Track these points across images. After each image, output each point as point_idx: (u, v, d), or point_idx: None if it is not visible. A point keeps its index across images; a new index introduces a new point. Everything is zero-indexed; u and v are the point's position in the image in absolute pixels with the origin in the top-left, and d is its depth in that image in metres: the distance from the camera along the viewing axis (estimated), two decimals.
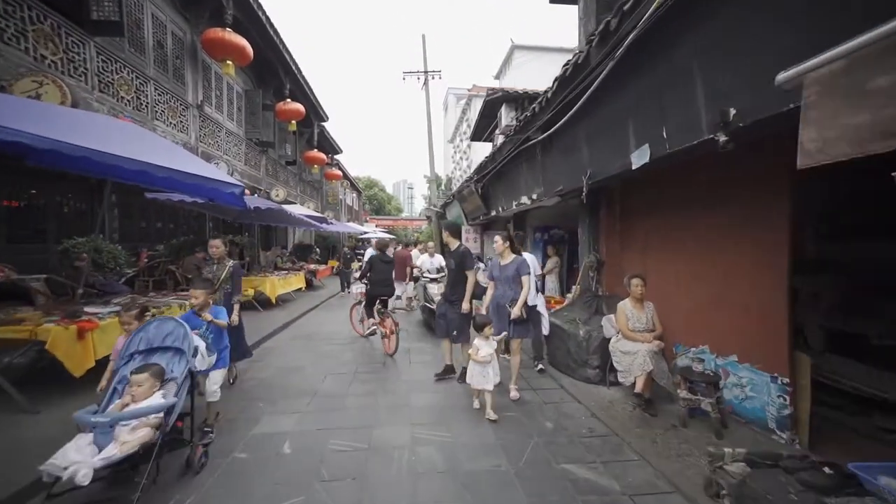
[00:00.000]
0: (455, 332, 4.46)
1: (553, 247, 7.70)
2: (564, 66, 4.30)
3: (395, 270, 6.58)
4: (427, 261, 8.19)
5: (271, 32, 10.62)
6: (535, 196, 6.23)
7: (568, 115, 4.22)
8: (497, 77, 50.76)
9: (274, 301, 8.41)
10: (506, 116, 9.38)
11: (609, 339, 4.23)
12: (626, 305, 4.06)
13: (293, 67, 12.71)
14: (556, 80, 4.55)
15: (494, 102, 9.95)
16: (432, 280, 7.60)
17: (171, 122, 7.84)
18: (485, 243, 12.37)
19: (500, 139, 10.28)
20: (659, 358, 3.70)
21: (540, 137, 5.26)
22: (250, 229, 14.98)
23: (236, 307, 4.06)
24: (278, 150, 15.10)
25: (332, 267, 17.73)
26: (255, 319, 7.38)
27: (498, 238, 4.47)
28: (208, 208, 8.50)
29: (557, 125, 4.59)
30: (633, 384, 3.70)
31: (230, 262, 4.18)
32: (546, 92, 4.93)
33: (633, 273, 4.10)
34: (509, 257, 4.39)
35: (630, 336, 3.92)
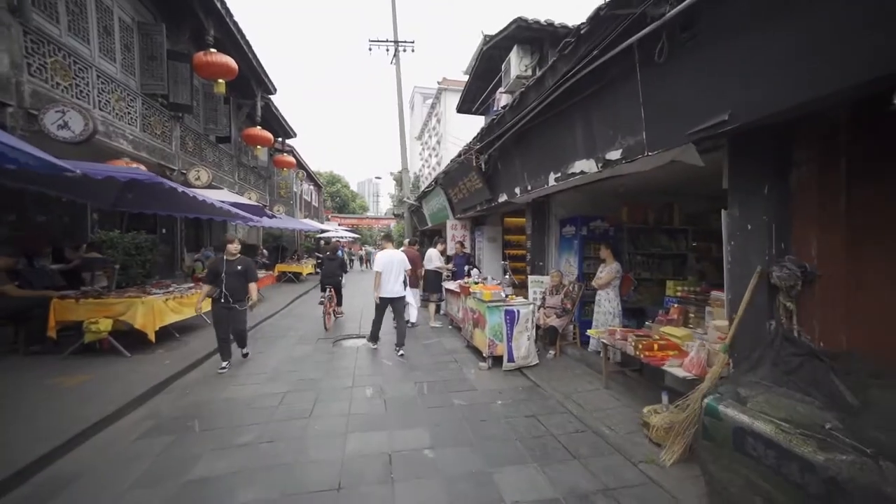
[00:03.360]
0: None
1: (607, 246, 4.90)
2: None
3: (405, 272, 5.59)
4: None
5: None
6: (613, 154, 3.38)
7: None
8: (467, 72, 48.19)
9: (152, 337, 4.98)
10: (517, 65, 6.52)
11: None
12: None
13: (217, 4, 9.10)
14: None
15: (498, 48, 7.09)
16: None
17: None
18: (476, 242, 9.45)
19: (502, 100, 7.40)
20: None
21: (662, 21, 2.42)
22: (169, 224, 11.11)
23: None
24: (205, 123, 11.32)
25: (281, 274, 14.11)
26: (87, 389, 3.97)
27: None
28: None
29: None
30: None
31: None
32: None
33: None
34: None
35: None
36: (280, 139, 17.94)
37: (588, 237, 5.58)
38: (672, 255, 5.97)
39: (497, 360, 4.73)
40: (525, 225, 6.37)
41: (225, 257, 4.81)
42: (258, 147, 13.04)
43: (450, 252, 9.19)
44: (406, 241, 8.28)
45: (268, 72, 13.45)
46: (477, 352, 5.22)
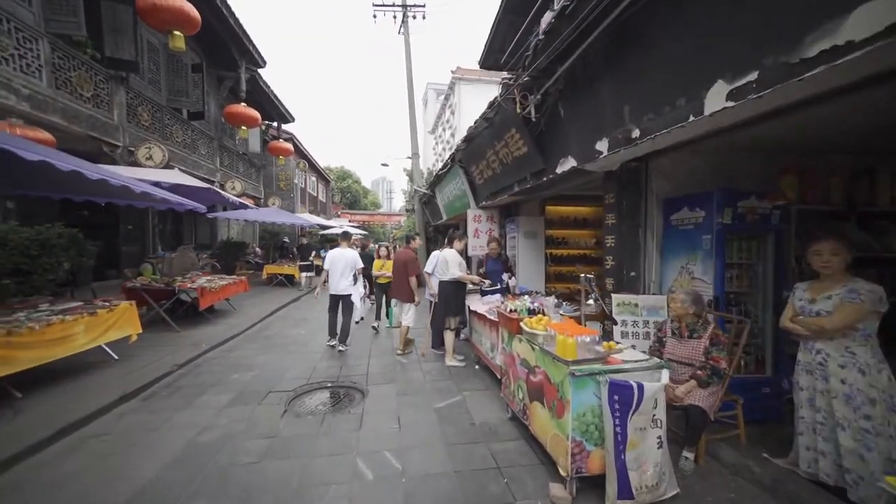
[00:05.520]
0: None
1: (841, 243, 2.23)
2: None
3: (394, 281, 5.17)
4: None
5: None
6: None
7: None
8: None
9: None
10: None
11: None
12: None
13: None
14: None
15: None
16: None
17: None
18: (507, 239, 6.92)
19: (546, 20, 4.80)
20: None
21: None
22: (137, 218, 8.98)
23: None
24: (168, 93, 9.07)
25: (271, 276, 11.87)
26: None
27: None
28: None
29: None
30: None
31: None
32: None
33: None
34: None
35: None
36: (275, 124, 15.75)
37: (734, 228, 3.00)
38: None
39: (590, 483, 2.24)
40: (606, 211, 3.80)
41: None
42: (243, 128, 10.76)
43: (473, 252, 6.68)
44: (411, 238, 5.83)
45: (256, 43, 11.19)
46: (535, 442, 2.75)
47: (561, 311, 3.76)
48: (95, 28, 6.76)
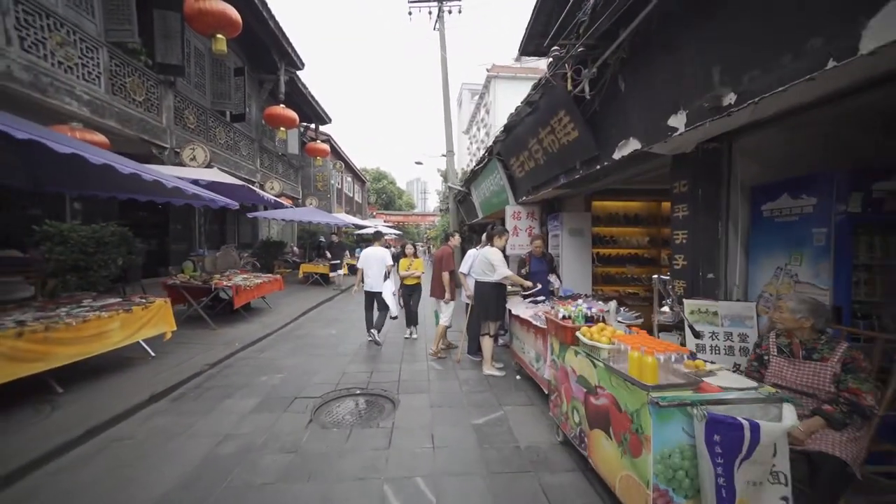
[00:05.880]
0: None
1: None
2: None
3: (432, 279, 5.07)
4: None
5: None
6: None
7: None
8: (518, 59, 44.39)
9: None
10: None
11: None
12: None
13: None
14: None
15: None
16: None
17: None
18: (549, 238, 6.36)
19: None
20: None
21: None
22: (185, 218, 9.41)
23: None
24: (212, 97, 9.37)
25: (307, 275, 12.00)
26: None
27: None
28: None
29: None
30: None
31: None
32: None
33: None
34: None
35: None
36: (313, 126, 16.05)
37: (865, 219, 2.32)
38: None
39: None
40: (675, 203, 3.20)
41: None
42: (282, 129, 10.95)
43: (513, 252, 6.19)
44: (450, 235, 5.50)
45: (295, 46, 11.38)
46: (595, 476, 2.26)
47: (619, 318, 3.21)
48: (147, 35, 7.03)
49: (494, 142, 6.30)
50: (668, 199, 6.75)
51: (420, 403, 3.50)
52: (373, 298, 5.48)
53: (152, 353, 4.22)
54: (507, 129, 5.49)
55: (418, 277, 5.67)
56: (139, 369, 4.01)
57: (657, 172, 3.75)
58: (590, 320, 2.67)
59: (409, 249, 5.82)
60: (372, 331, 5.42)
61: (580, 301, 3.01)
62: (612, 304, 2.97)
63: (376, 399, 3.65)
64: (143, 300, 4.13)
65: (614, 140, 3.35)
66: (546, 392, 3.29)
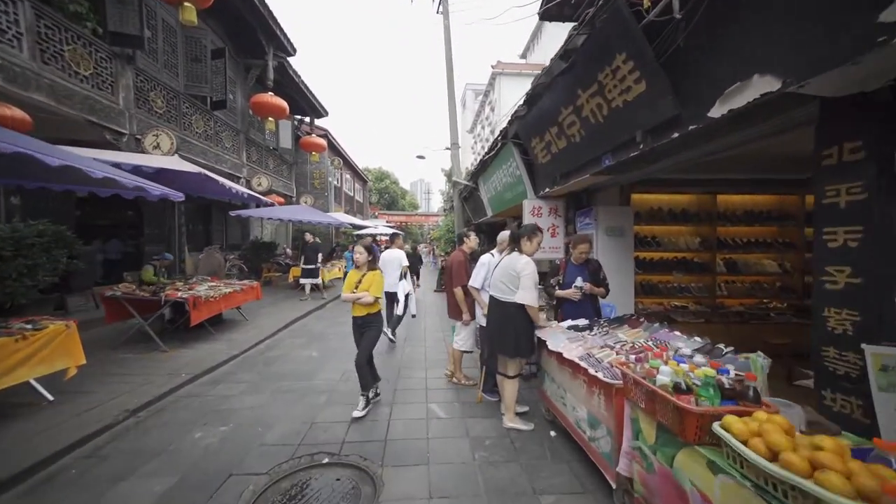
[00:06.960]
0: None
1: None
2: None
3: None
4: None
5: None
6: None
7: None
8: (524, 55, 43.16)
9: None
10: None
11: None
12: None
13: None
14: None
15: None
16: None
17: None
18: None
19: None
20: None
21: None
22: (161, 217, 8.32)
23: None
24: (186, 79, 8.22)
25: (297, 280, 10.79)
26: None
27: None
28: None
29: None
30: None
31: None
32: None
33: None
34: None
35: None
36: (307, 119, 14.92)
37: None
38: None
39: None
40: (829, 180, 1.93)
41: None
42: (270, 119, 9.81)
43: (541, 255, 4.97)
44: (465, 236, 4.28)
45: (285, 29, 10.25)
46: None
47: (719, 370, 1.98)
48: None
49: (510, 121, 5.08)
50: (724, 191, 5.46)
51: (414, 487, 2.30)
52: (390, 297, 5.57)
53: (49, 397, 3.05)
54: (530, 101, 4.28)
55: (371, 305, 3.28)
56: (15, 425, 2.82)
57: (767, 141, 2.51)
58: (726, 393, 1.43)
59: (357, 254, 3.37)
60: (385, 329, 5.33)
61: (693, 353, 1.77)
62: (762, 362, 1.70)
63: (350, 476, 2.45)
64: (30, 325, 2.95)
65: (717, 86, 2.13)
66: (608, 479, 2.08)
